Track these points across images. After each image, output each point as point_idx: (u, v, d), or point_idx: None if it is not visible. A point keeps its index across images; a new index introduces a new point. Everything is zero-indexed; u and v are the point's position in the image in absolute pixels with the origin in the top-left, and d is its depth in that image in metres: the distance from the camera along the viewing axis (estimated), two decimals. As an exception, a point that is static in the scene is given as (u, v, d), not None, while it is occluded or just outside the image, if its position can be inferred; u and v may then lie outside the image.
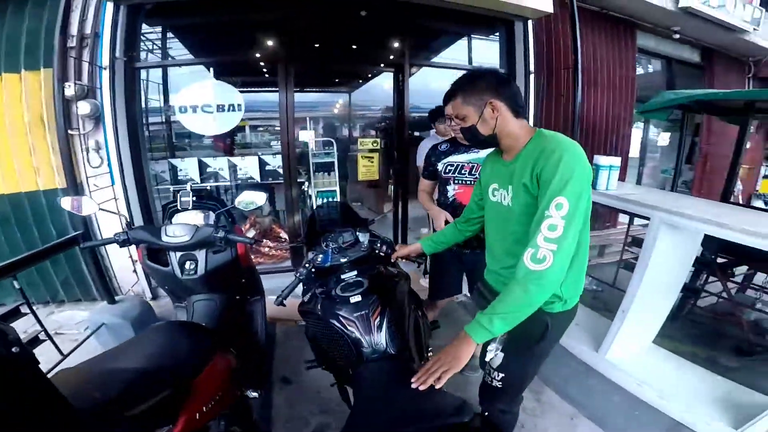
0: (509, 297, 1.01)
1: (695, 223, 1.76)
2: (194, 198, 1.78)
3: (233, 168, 3.52)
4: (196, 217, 1.86)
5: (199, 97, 3.07)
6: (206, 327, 1.53)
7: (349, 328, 1.25)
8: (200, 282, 1.70)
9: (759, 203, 5.32)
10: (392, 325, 1.28)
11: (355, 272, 1.46)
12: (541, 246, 0.98)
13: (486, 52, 4.16)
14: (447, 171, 1.87)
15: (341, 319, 1.26)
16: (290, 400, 2.12)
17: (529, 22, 3.62)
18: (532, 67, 3.72)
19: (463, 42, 4.13)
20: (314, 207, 3.95)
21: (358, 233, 1.69)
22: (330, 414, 2.00)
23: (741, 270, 3.03)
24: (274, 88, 3.30)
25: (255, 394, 1.55)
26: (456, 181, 1.87)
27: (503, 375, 1.31)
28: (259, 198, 1.77)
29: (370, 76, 6.28)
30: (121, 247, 1.58)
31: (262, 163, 3.56)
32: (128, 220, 1.66)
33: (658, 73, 5.71)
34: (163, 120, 3.81)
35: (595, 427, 1.93)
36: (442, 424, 0.87)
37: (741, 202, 5.56)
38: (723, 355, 2.56)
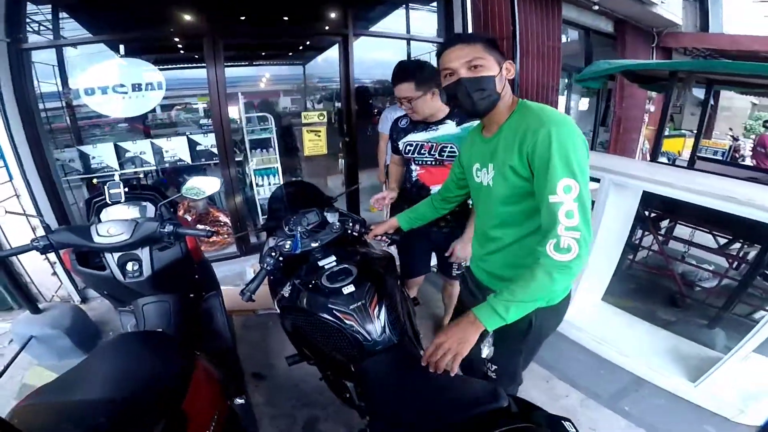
0: (533, 284, 0.93)
1: (640, 182, 1.93)
2: (126, 189, 1.51)
3: (159, 151, 3.12)
4: (130, 212, 1.60)
5: (109, 78, 2.72)
6: (172, 335, 1.34)
7: (346, 321, 1.14)
8: (147, 284, 1.47)
9: (663, 159, 6.04)
10: (391, 313, 1.20)
11: (333, 258, 1.34)
12: (563, 235, 0.90)
13: (422, 22, 4.11)
14: (407, 151, 1.78)
15: (336, 312, 1.15)
16: (269, 397, 2.00)
17: (468, -8, 3.59)
18: (469, 37, 3.75)
19: (400, 12, 4.02)
20: (273, 188, 3.67)
21: (326, 213, 1.56)
22: (315, 406, 1.91)
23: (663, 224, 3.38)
24: (201, 64, 2.94)
25: (241, 401, 1.41)
26: (417, 162, 1.78)
27: (496, 367, 1.30)
28: (212, 185, 1.54)
29: (311, 46, 5.86)
30: (42, 254, 1.30)
31: (193, 144, 3.21)
32: (45, 221, 1.36)
33: (576, 42, 6.12)
34: (64, 104, 3.23)
35: (569, 387, 2.06)
36: (481, 411, 0.82)
37: (648, 158, 6.27)
38: (660, 309, 2.82)
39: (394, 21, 4.16)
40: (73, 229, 1.35)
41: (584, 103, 6.63)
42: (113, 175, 2.65)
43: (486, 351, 1.23)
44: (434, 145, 1.70)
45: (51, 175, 2.65)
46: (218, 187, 1.52)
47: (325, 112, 3.53)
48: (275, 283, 1.57)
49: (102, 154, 2.99)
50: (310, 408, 1.91)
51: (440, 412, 0.87)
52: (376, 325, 1.15)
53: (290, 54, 6.45)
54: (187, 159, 3.17)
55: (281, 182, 3.78)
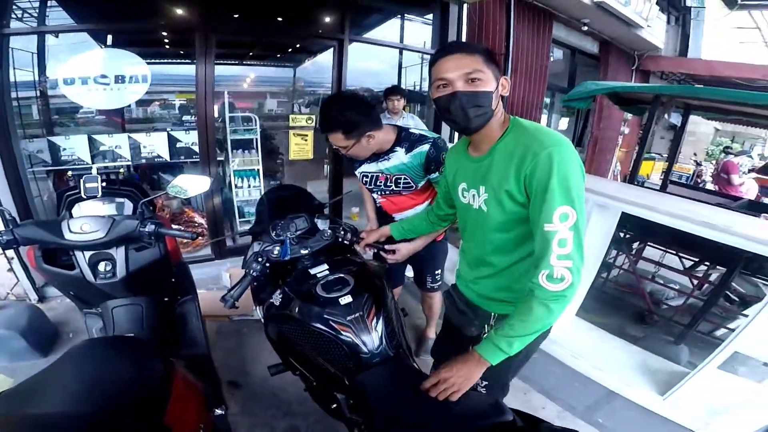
0: (531, 317, 0.93)
1: (620, 204, 2.02)
2: (104, 184, 1.43)
3: (135, 146, 2.99)
4: (105, 208, 1.52)
5: (91, 68, 2.64)
6: (146, 340, 1.26)
7: (343, 333, 1.10)
8: (120, 286, 1.39)
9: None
10: (388, 325, 1.18)
11: (325, 266, 1.31)
12: (555, 265, 0.89)
13: (416, 32, 4.16)
14: (365, 182, 1.74)
15: (332, 323, 1.11)
16: (246, 407, 1.92)
17: (464, 6, 3.64)
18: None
19: (395, 21, 4.06)
20: (253, 191, 3.58)
21: (316, 220, 1.53)
22: (295, 416, 1.85)
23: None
24: (189, 60, 2.90)
25: (221, 412, 1.33)
26: (376, 192, 1.76)
27: (486, 382, 1.27)
28: (201, 184, 1.47)
29: (302, 49, 5.80)
30: (4, 249, 1.20)
31: (173, 140, 3.09)
32: (9, 213, 1.26)
33: (560, 62, 6.31)
34: (38, 93, 3.05)
35: (546, 399, 2.09)
36: (485, 425, 0.81)
37: (618, 179, 6.51)
38: (630, 325, 2.95)
39: (388, 30, 4.21)
40: (41, 223, 1.26)
41: (563, 123, 6.83)
42: (90, 168, 2.50)
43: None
44: (388, 176, 1.65)
45: (16, 166, 2.49)
46: (207, 187, 1.46)
47: (313, 116, 3.47)
48: (259, 289, 1.52)
49: (74, 146, 2.83)
50: (290, 418, 1.85)
51: (443, 426, 0.86)
52: (374, 337, 1.12)
53: (281, 56, 6.34)
54: (166, 156, 3.05)
55: (261, 185, 3.70)
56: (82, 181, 1.40)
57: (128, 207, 1.52)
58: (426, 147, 1.55)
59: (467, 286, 1.28)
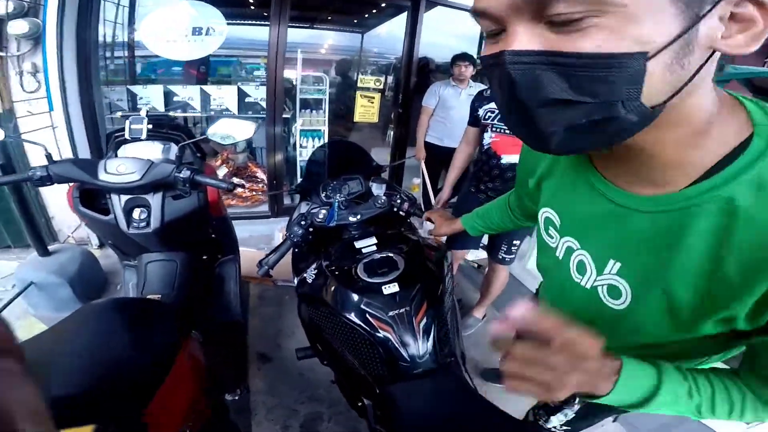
0: (724, 405, 0.52)
1: None
2: (150, 126, 1.30)
3: (206, 98, 2.97)
4: (151, 150, 1.41)
5: (173, 18, 2.62)
6: (170, 304, 1.14)
7: (381, 331, 0.87)
8: (155, 237, 1.28)
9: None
10: (441, 327, 0.92)
11: (373, 240, 1.07)
12: None
13: None
14: (486, 117, 1.73)
15: (369, 318, 0.88)
16: (270, 384, 1.80)
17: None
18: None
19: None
20: (314, 147, 3.48)
21: (371, 183, 1.28)
22: (320, 402, 1.70)
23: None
24: (264, 22, 2.79)
25: (232, 397, 1.19)
26: (494, 129, 1.71)
27: (569, 429, 0.95)
28: (245, 129, 1.27)
29: (374, 14, 5.50)
30: (37, 186, 1.12)
31: (242, 94, 3.03)
32: (47, 150, 1.16)
33: None
34: (126, 43, 3.15)
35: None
36: None
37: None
38: None
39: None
40: (78, 162, 1.18)
41: None
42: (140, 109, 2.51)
43: (556, 421, 0.91)
44: None
45: (95, 111, 2.57)
46: (251, 133, 1.27)
47: (381, 79, 3.24)
48: (299, 258, 1.33)
49: (150, 95, 2.89)
50: (314, 404, 1.70)
51: None
52: (420, 343, 0.87)
53: (353, 21, 6.11)
54: (234, 109, 3.01)
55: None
56: (127, 122, 1.29)
57: (173, 151, 1.39)
58: None
59: None
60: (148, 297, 1.29)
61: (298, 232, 1.16)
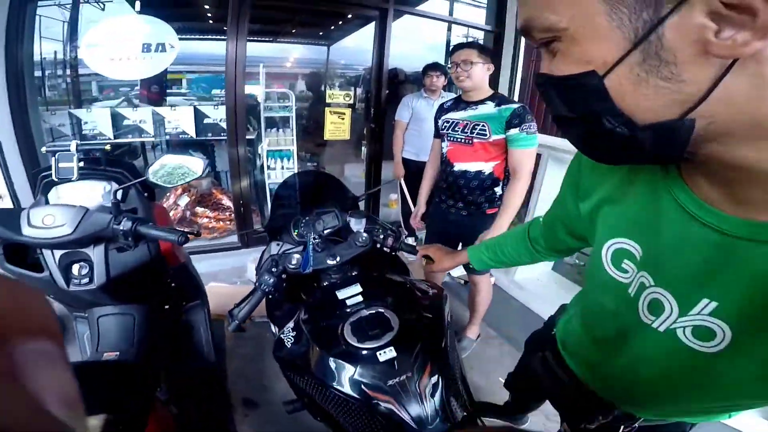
0: None
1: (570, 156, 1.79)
2: (82, 163, 1.11)
3: (160, 121, 2.73)
4: (90, 192, 1.21)
5: (119, 34, 2.41)
6: (123, 364, 1.03)
7: (381, 403, 0.72)
8: (101, 293, 1.09)
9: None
10: (450, 387, 0.78)
11: (357, 288, 0.93)
12: None
13: (468, 9, 3.68)
14: (443, 127, 1.77)
15: (365, 389, 0.73)
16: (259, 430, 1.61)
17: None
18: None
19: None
20: (287, 173, 3.29)
21: (350, 218, 1.15)
22: None
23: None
24: (221, 37, 2.61)
25: None
26: (448, 138, 1.76)
27: None
28: (192, 168, 1.09)
29: (339, 27, 5.36)
30: None
31: (200, 115, 2.81)
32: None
33: None
34: (62, 63, 2.88)
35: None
36: None
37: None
38: None
39: (437, 3, 3.76)
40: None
41: None
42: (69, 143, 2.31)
43: None
44: (468, 123, 1.67)
45: (32, 141, 2.30)
46: (199, 171, 1.09)
47: (351, 93, 3.11)
48: (273, 305, 1.17)
49: (97, 119, 2.61)
50: None
51: None
52: (426, 405, 0.73)
53: (317, 33, 5.96)
54: (191, 132, 2.78)
55: (296, 167, 3.37)
56: (53, 159, 1.09)
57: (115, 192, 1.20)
58: (516, 105, 1.60)
59: (595, 374, 0.75)
60: (105, 356, 1.13)
61: (269, 281, 1.00)
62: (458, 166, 1.73)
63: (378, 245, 1.07)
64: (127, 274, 1.11)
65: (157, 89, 3.36)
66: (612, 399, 0.71)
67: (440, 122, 1.78)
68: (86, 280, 1.07)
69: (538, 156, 2.19)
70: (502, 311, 2.50)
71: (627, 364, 0.61)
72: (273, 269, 1.03)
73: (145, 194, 1.25)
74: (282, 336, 0.89)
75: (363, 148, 3.60)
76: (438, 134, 1.85)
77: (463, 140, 1.69)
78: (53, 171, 1.10)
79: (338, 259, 1.00)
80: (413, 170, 2.84)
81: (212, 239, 3.09)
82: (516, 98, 3.51)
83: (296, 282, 1.06)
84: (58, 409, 0.20)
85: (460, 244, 1.85)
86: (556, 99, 0.41)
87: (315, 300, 0.96)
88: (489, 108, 1.62)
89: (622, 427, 0.72)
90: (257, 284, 1.02)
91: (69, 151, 1.11)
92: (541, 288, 2.62)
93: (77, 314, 1.31)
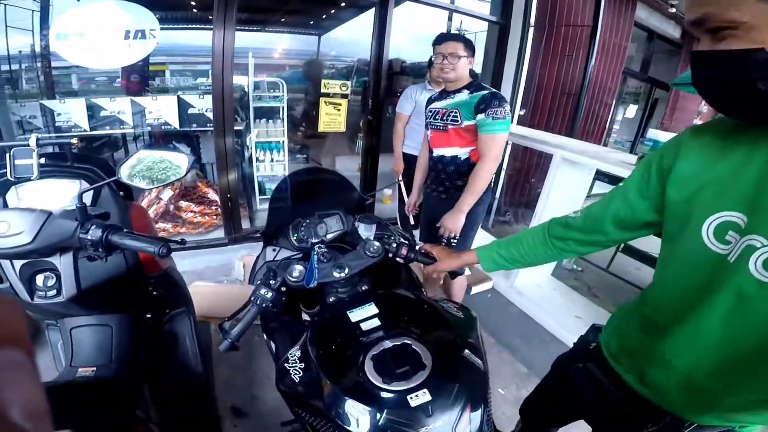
0: None
1: (588, 159, 2.07)
2: (43, 160, 0.95)
3: (140, 111, 2.55)
4: (60, 191, 1.06)
5: (94, 21, 2.21)
6: (101, 382, 0.93)
7: None
8: (72, 305, 0.95)
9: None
10: (488, 422, 0.67)
11: (372, 309, 0.80)
12: None
13: None
14: (428, 116, 1.85)
15: None
16: None
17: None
18: (532, 20, 3.22)
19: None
20: (275, 165, 3.12)
21: (359, 223, 1.02)
22: None
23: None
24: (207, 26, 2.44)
25: None
26: (430, 126, 1.83)
27: None
28: (176, 161, 0.94)
29: (332, 16, 5.15)
30: None
31: (184, 105, 2.63)
32: None
33: (633, 45, 5.51)
34: (37, 50, 2.66)
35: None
36: None
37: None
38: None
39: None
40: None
41: (631, 111, 6.07)
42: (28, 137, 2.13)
43: None
44: (446, 111, 1.73)
45: (1, 136, 2.11)
46: (184, 171, 0.93)
47: (348, 83, 2.94)
48: (269, 318, 1.05)
49: (71, 111, 2.42)
50: None
51: None
52: None
53: (308, 23, 5.73)
54: (175, 123, 2.60)
55: (286, 159, 3.21)
56: (8, 156, 0.93)
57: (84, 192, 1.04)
58: (486, 91, 1.63)
59: (653, 375, 0.74)
60: (80, 372, 0.99)
61: (266, 295, 0.87)
62: (436, 152, 1.82)
63: (390, 255, 0.95)
64: (100, 285, 0.97)
65: (137, 79, 3.16)
66: (667, 402, 0.73)
67: (426, 112, 1.86)
68: (53, 292, 0.93)
69: (550, 156, 2.25)
70: (500, 318, 2.45)
71: (713, 343, 0.63)
72: (271, 281, 0.90)
73: (121, 193, 1.09)
74: (287, 366, 0.75)
75: (358, 141, 3.46)
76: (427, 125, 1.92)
77: (441, 127, 1.76)
78: (8, 169, 0.94)
79: (346, 271, 0.88)
80: (414, 165, 2.71)
81: (198, 234, 2.93)
82: (520, 94, 3.42)
83: (296, 292, 0.92)
84: (22, 420, 0.20)
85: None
86: (717, 69, 0.51)
87: (322, 320, 0.83)
88: (463, 96, 1.68)
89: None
90: (252, 298, 0.89)
91: (27, 146, 0.95)
92: (540, 294, 2.57)
93: (48, 322, 1.17)
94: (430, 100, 1.87)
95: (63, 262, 0.91)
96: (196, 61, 3.82)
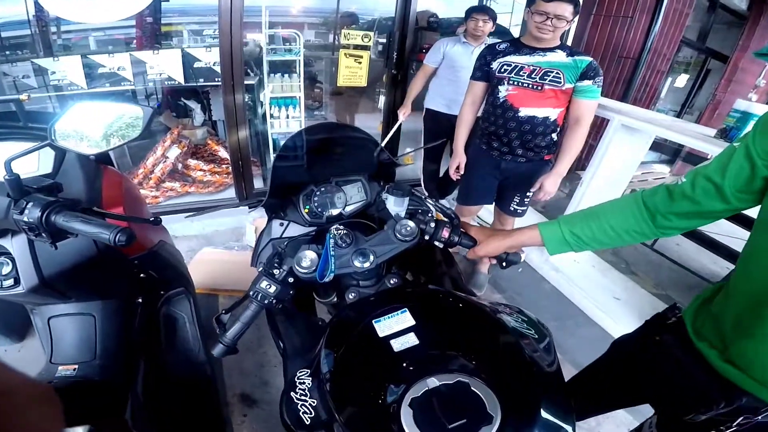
0: None
1: (648, 125, 1.87)
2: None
3: (141, 67, 2.33)
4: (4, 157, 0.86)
5: None
6: (81, 382, 0.82)
7: None
8: (38, 296, 0.79)
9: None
10: None
11: (407, 319, 0.58)
12: None
13: None
14: (502, 70, 1.66)
15: None
16: None
17: None
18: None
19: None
20: (288, 117, 2.88)
21: (387, 196, 0.78)
22: None
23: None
24: None
25: None
26: (511, 82, 1.65)
27: None
28: (126, 122, 0.70)
29: None
30: None
31: (189, 59, 2.39)
32: None
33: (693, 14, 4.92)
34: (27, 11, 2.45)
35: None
36: None
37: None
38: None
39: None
40: None
41: (681, 80, 5.54)
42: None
43: None
44: (537, 68, 1.60)
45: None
46: (140, 129, 0.70)
47: (370, 34, 2.63)
48: (274, 312, 0.85)
49: (66, 69, 2.22)
50: None
51: None
52: None
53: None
54: (180, 78, 2.37)
55: (302, 116, 2.95)
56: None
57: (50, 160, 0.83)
58: (589, 59, 1.58)
59: (737, 354, 0.69)
60: (60, 371, 0.85)
61: (268, 290, 0.67)
62: (524, 111, 1.66)
63: (426, 237, 0.71)
64: (68, 271, 0.79)
65: (139, 33, 2.92)
66: (749, 381, 0.67)
67: (496, 65, 1.67)
68: (10, 282, 0.75)
69: (607, 121, 2.08)
70: (533, 295, 2.27)
71: None
72: (275, 270, 0.69)
73: (91, 156, 0.88)
74: (293, 395, 0.55)
75: (380, 97, 3.15)
76: (485, 77, 1.74)
77: (530, 85, 1.62)
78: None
79: (371, 259, 0.65)
80: (443, 124, 2.43)
81: (208, 193, 2.78)
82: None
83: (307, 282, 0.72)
84: None
85: (506, 193, 1.91)
86: None
87: (340, 328, 0.61)
88: (561, 57, 1.58)
89: (739, 419, 0.69)
90: (252, 294, 0.69)
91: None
92: (577, 270, 2.33)
93: (31, 307, 1.01)
94: (497, 51, 1.69)
95: (16, 246, 0.73)
96: (207, 18, 3.57)
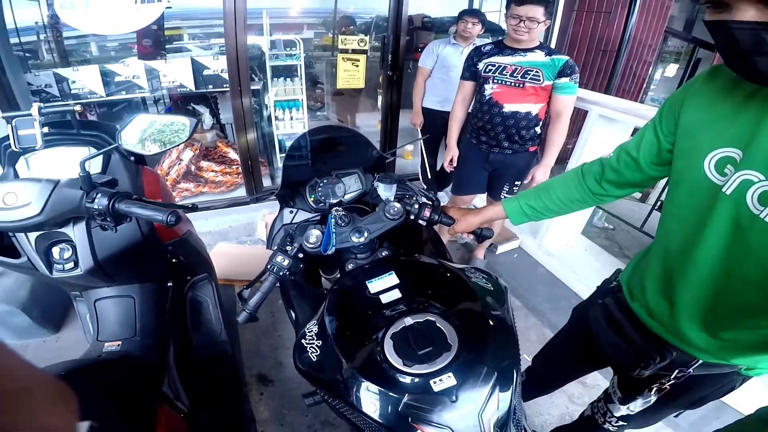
0: None
1: (626, 116, 1.94)
2: (46, 129, 0.91)
3: (154, 75, 2.49)
4: (67, 160, 1.02)
5: None
6: (126, 357, 0.95)
7: None
8: (91, 277, 0.95)
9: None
10: (516, 413, 0.62)
11: (393, 278, 0.74)
12: None
13: None
14: (487, 70, 1.79)
15: (413, 423, 0.56)
16: (276, 411, 1.53)
17: None
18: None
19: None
20: (294, 123, 3.05)
21: (378, 183, 0.94)
22: (335, 428, 1.45)
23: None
24: None
25: None
26: (495, 80, 1.78)
27: (624, 424, 0.95)
28: (177, 129, 0.88)
29: None
30: None
31: (198, 67, 2.55)
32: None
33: (676, 3, 4.95)
34: (46, 23, 2.61)
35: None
36: None
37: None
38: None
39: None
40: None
41: (671, 70, 5.60)
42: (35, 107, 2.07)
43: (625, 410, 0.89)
44: (518, 68, 1.72)
45: (15, 102, 2.10)
46: (187, 134, 0.87)
47: (366, 39, 2.78)
48: (287, 286, 1.01)
49: (85, 78, 2.40)
50: (330, 428, 1.45)
51: None
52: None
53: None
54: (190, 85, 2.54)
55: (306, 117, 3.12)
56: (10, 127, 0.89)
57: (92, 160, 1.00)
58: (566, 57, 1.70)
59: (657, 311, 0.78)
60: (106, 347, 1.01)
61: (282, 263, 0.83)
62: (508, 107, 1.79)
63: (412, 216, 0.87)
64: (118, 255, 0.95)
65: (150, 43, 3.07)
66: (676, 338, 0.75)
67: (482, 65, 1.80)
68: (71, 264, 0.92)
69: (586, 112, 2.19)
70: (527, 280, 2.38)
71: (709, 277, 0.65)
72: (287, 247, 0.85)
73: (132, 158, 1.05)
74: (304, 342, 0.71)
75: (379, 97, 3.30)
76: (473, 77, 1.87)
77: (513, 83, 1.74)
78: (12, 140, 0.90)
79: (366, 235, 0.81)
80: (436, 120, 2.57)
81: (220, 193, 2.94)
82: (553, 47, 3.19)
83: (314, 257, 0.87)
84: None
85: (496, 183, 2.02)
86: (733, 36, 0.50)
87: (340, 290, 0.78)
88: (539, 56, 1.70)
89: (675, 372, 0.77)
90: (269, 266, 0.85)
91: (29, 116, 0.90)
92: (570, 254, 2.46)
93: (75, 294, 1.18)
94: (482, 53, 1.81)
95: (77, 233, 0.89)
96: (210, 24, 3.70)
